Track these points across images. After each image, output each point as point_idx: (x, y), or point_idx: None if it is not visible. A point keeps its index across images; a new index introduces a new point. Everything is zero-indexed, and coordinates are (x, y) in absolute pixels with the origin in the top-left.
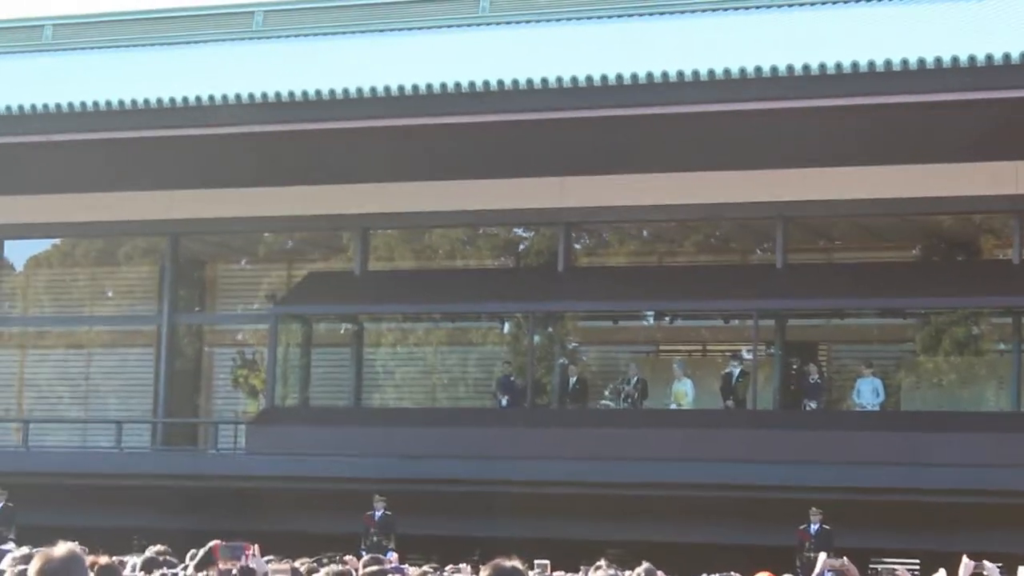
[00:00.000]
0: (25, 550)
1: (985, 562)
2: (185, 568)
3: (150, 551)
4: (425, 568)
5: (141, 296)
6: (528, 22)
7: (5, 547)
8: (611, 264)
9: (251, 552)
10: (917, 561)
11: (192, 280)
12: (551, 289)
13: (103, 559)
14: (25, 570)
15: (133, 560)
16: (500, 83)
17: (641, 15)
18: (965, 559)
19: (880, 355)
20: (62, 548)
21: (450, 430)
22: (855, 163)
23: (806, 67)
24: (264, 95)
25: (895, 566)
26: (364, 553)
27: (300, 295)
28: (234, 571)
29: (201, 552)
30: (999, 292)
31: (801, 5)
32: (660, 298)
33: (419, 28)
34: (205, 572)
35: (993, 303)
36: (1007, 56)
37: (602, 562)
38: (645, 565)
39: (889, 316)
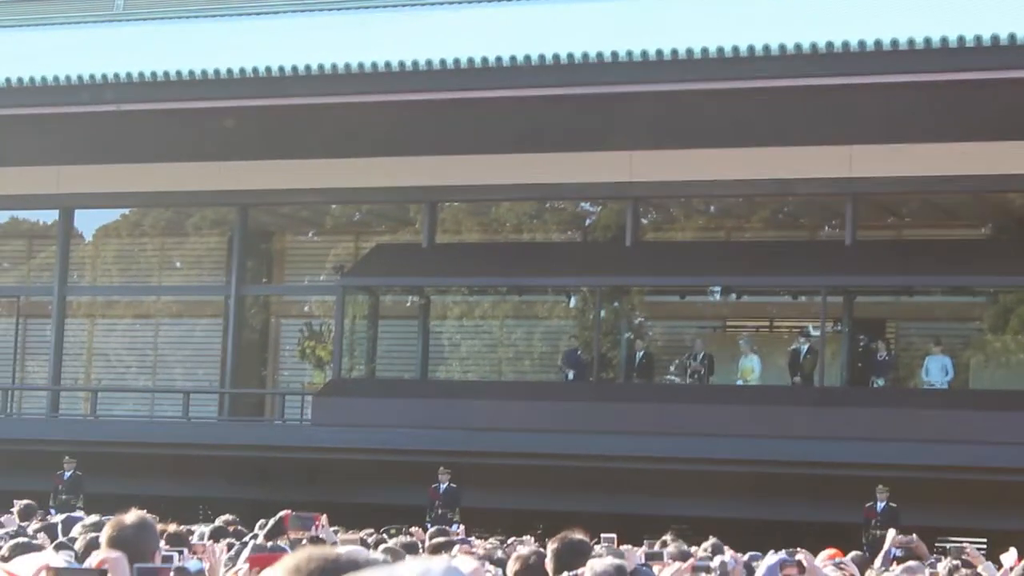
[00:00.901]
0: (95, 518)
1: None
2: (255, 537)
3: (219, 520)
4: (490, 540)
5: (209, 267)
6: None
7: (74, 515)
8: (678, 239)
9: (321, 523)
10: (984, 540)
11: (260, 251)
12: (618, 263)
13: (172, 527)
14: (96, 537)
15: (200, 529)
16: (570, 56)
17: None
18: None
19: (948, 333)
20: (133, 515)
21: (516, 403)
22: (926, 140)
23: (878, 42)
24: (334, 66)
25: (964, 544)
26: (429, 525)
27: (367, 267)
28: (304, 541)
29: (272, 521)
30: None
31: None
32: (727, 273)
33: (487, 0)
34: (275, 541)
35: None
36: None
37: (668, 536)
38: (712, 540)
39: (958, 294)
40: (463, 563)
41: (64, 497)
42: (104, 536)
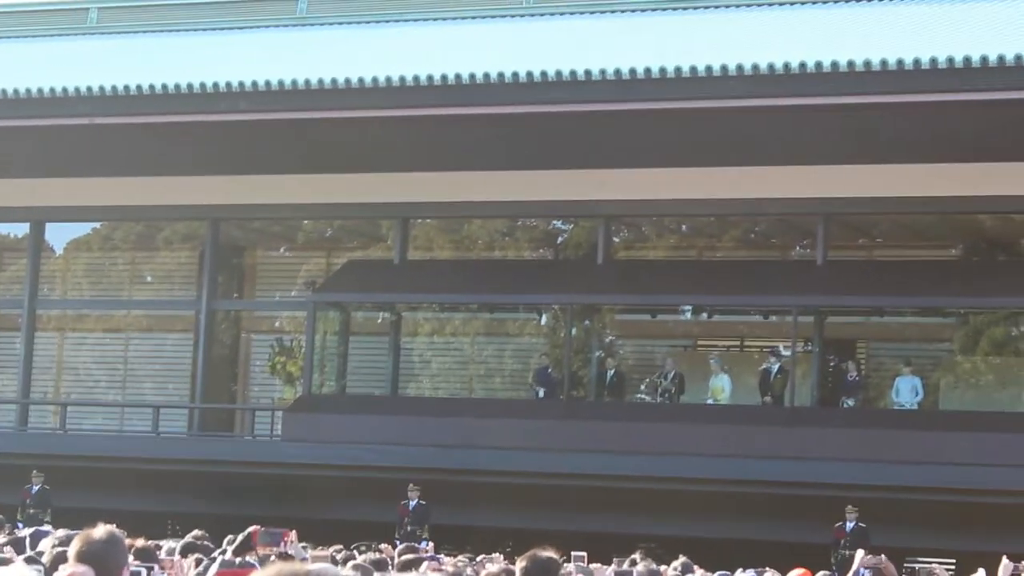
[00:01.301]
0: (63, 532)
1: None
2: (223, 552)
3: (188, 536)
4: (460, 558)
5: (180, 281)
6: (571, 13)
7: (42, 529)
8: (650, 257)
9: (289, 538)
10: (953, 561)
11: (231, 266)
12: (589, 282)
13: (140, 542)
14: (64, 551)
15: (168, 544)
16: (543, 74)
17: (683, 9)
18: (1005, 560)
19: (918, 354)
20: (102, 529)
21: (486, 421)
22: (897, 160)
23: (850, 63)
24: (307, 81)
25: (933, 565)
26: (399, 542)
27: (338, 283)
28: (273, 557)
29: (240, 537)
30: None
31: (847, 1)
32: (698, 292)
33: (462, 18)
34: (244, 556)
35: None
36: None
37: (637, 555)
38: (682, 559)
39: (928, 315)
40: None
41: (32, 511)
42: (73, 550)
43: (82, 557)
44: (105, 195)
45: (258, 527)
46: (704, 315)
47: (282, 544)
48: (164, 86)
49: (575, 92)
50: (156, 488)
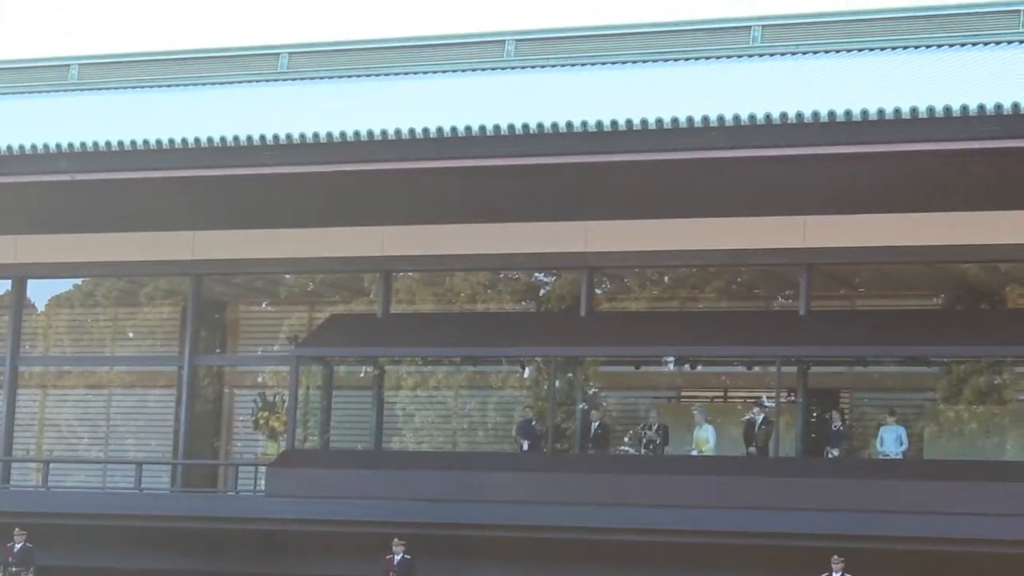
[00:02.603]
0: None
1: None
2: None
3: None
4: None
5: (162, 337)
6: (553, 66)
7: None
8: (633, 309)
9: None
10: None
11: (213, 321)
12: (572, 334)
13: None
14: None
15: None
16: (525, 126)
17: (664, 60)
18: None
19: (902, 403)
20: None
21: (470, 474)
22: (879, 210)
23: (831, 113)
24: (288, 136)
25: None
26: None
27: (321, 337)
28: None
29: None
30: (1023, 342)
31: (826, 52)
32: (682, 343)
33: (443, 71)
34: None
35: (1017, 352)
36: None
37: None
38: None
39: (912, 364)
40: None
41: (14, 570)
42: None
43: None
44: (87, 251)
45: None
46: (687, 366)
47: None
48: (145, 142)
49: (557, 144)
50: (140, 545)
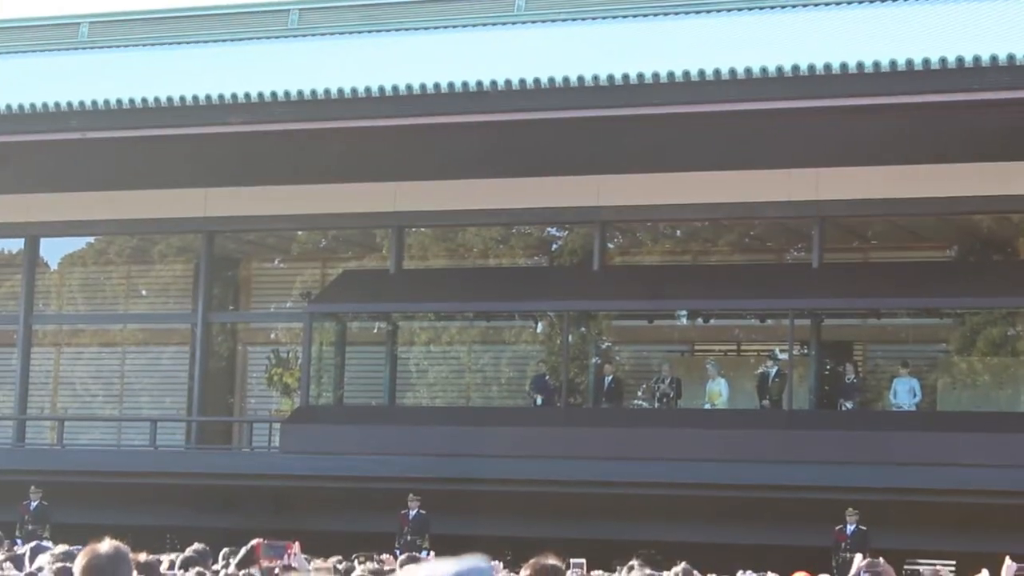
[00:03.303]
0: (63, 548)
1: None
2: (227, 566)
3: (189, 550)
4: None
5: (175, 294)
6: (564, 20)
7: (41, 544)
8: (645, 263)
9: (293, 551)
10: (954, 562)
11: (226, 278)
12: (585, 288)
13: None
14: (64, 567)
15: (168, 558)
16: (536, 81)
17: (675, 14)
18: (1008, 560)
19: (915, 355)
20: (107, 544)
21: (484, 429)
22: (892, 162)
23: (843, 65)
24: (300, 92)
25: (937, 566)
26: (399, 552)
27: (334, 293)
28: (276, 569)
29: (243, 550)
30: None
31: (838, 4)
32: (694, 297)
33: (453, 27)
34: (247, 569)
35: None
36: None
37: (635, 562)
38: (682, 565)
39: (925, 316)
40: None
41: (30, 527)
42: (78, 566)
43: (88, 572)
44: (99, 209)
45: (261, 540)
46: (700, 320)
47: (285, 556)
48: (156, 99)
49: (568, 99)
50: (154, 502)
